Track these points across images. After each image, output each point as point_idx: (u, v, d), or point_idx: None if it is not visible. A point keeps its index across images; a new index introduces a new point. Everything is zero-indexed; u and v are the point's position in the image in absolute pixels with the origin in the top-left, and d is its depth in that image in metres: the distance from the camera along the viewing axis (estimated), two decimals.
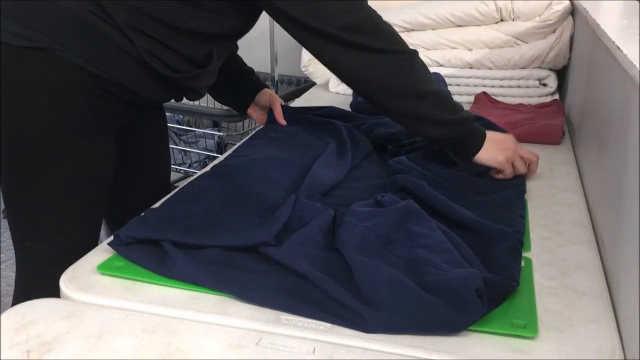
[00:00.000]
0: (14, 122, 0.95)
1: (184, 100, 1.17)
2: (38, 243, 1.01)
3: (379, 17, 1.00)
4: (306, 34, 0.97)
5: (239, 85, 1.33)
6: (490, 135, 1.06)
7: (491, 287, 0.72)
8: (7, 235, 2.42)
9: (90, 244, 0.94)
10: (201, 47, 1.02)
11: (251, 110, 1.38)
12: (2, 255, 2.32)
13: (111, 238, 0.88)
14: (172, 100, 1.13)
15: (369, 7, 0.99)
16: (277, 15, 0.98)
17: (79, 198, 1.00)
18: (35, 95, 0.93)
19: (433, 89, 1.01)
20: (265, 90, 1.37)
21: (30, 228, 1.01)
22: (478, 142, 1.04)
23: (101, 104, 0.98)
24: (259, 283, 0.75)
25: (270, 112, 1.36)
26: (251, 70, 1.35)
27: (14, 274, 1.04)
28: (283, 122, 1.34)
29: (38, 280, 1.00)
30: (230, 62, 1.26)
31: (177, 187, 1.10)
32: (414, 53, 1.01)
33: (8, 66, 0.92)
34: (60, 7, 0.90)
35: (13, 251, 1.05)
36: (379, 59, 0.97)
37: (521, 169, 1.08)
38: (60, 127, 0.95)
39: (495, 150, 1.05)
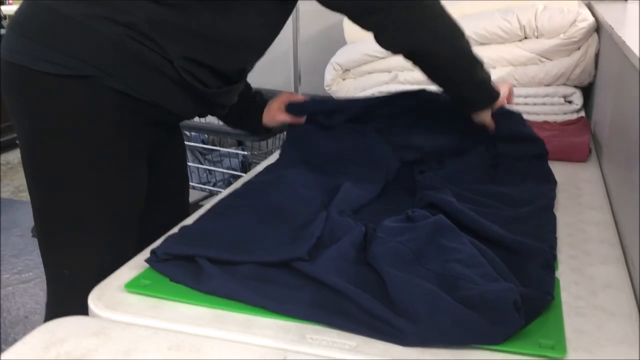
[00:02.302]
0: (50, 148, 0.96)
1: (209, 119, 1.20)
2: (69, 265, 1.02)
3: None
4: None
5: (252, 110, 1.33)
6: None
7: (526, 301, 0.71)
8: (35, 253, 2.46)
9: (122, 265, 0.96)
10: (237, 59, 1.04)
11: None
12: (30, 273, 2.35)
13: (140, 256, 0.89)
14: (196, 118, 1.16)
15: None
16: None
17: (113, 220, 1.01)
18: (73, 122, 0.95)
19: (462, 31, 1.09)
20: (270, 105, 1.34)
21: (61, 250, 1.02)
22: (495, 92, 1.18)
23: (135, 127, 1.00)
24: (293, 297, 0.76)
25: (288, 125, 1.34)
26: (253, 95, 1.33)
27: (42, 292, 1.06)
28: (300, 120, 1.31)
29: (68, 301, 1.01)
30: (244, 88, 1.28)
31: (202, 205, 1.12)
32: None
33: (46, 94, 0.94)
34: (98, 33, 0.91)
35: (41, 269, 1.06)
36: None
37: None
38: (96, 151, 0.97)
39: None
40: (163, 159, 1.18)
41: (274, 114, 1.31)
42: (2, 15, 4.03)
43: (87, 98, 0.94)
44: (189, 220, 1.00)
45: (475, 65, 1.12)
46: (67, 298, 1.03)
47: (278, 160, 1.30)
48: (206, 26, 0.97)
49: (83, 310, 0.78)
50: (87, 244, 1.00)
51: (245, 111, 1.31)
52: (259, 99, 1.34)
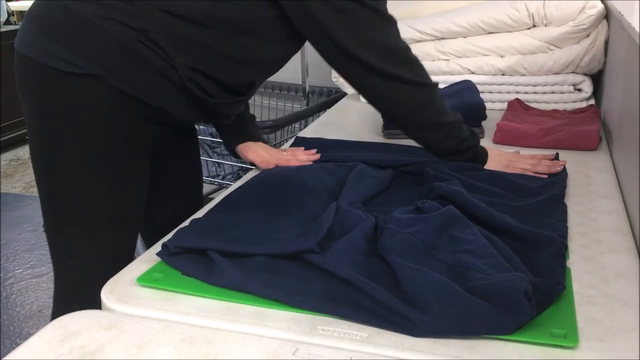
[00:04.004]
0: (55, 144, 0.97)
1: None
2: (76, 259, 1.03)
3: (409, 49, 1.07)
4: (341, 57, 1.01)
5: (235, 129, 1.25)
6: (492, 152, 1.20)
7: (537, 290, 0.71)
8: (47, 248, 2.48)
9: (127, 259, 0.96)
10: (244, 76, 1.04)
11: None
12: (43, 268, 2.38)
13: (152, 249, 0.90)
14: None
15: (402, 40, 1.07)
16: (316, 37, 1.02)
17: (116, 216, 1.02)
18: (78, 119, 0.96)
19: (448, 120, 1.12)
20: (254, 147, 1.24)
21: (68, 244, 1.03)
22: (482, 161, 1.18)
23: (140, 126, 1.01)
24: (305, 289, 0.76)
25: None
26: (251, 117, 1.28)
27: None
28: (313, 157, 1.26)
29: (76, 295, 1.03)
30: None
31: (211, 198, 1.12)
32: (436, 86, 1.11)
33: (53, 90, 0.95)
34: (109, 34, 0.92)
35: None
36: (406, 89, 1.06)
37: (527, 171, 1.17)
38: (98, 148, 0.97)
39: (496, 164, 1.18)
40: (174, 156, 1.19)
41: (250, 152, 1.24)
42: (10, 11, 4.05)
43: (92, 97, 0.95)
44: (199, 214, 1.01)
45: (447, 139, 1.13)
46: (74, 290, 1.04)
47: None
48: (218, 43, 0.97)
49: (92, 304, 0.79)
50: (91, 237, 1.01)
51: (235, 130, 1.25)
52: (253, 131, 1.26)
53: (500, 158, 1.20)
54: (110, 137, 0.98)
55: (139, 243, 1.25)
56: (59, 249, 1.04)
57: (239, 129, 1.25)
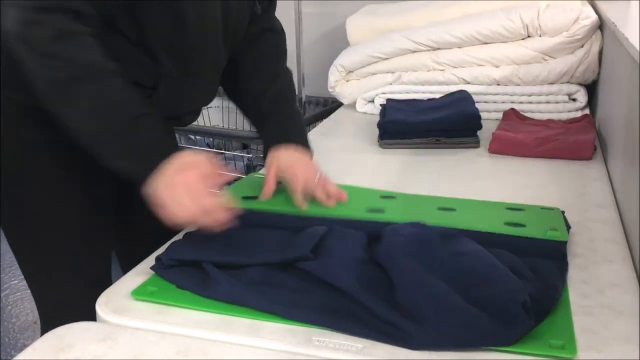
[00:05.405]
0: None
1: (214, 122, 1.16)
2: (44, 286, 1.01)
3: None
4: None
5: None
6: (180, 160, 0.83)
7: (535, 301, 0.71)
8: None
9: (101, 281, 0.93)
10: (140, 68, 0.90)
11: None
12: None
13: (146, 262, 0.89)
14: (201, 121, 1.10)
15: None
16: None
17: (75, 236, 0.99)
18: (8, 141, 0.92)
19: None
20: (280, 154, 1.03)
21: (34, 271, 1.02)
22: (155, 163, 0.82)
23: (63, 143, 0.90)
24: (302, 301, 0.76)
25: None
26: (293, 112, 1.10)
27: None
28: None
29: (53, 318, 1.00)
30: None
31: None
32: None
33: None
34: None
35: None
36: None
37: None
38: (36, 168, 0.94)
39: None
40: None
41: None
42: None
43: (7, 117, 0.91)
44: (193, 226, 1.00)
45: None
46: (49, 313, 1.03)
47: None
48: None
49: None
50: (52, 263, 0.99)
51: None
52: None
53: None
54: (42, 156, 0.93)
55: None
56: (26, 274, 1.03)
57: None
